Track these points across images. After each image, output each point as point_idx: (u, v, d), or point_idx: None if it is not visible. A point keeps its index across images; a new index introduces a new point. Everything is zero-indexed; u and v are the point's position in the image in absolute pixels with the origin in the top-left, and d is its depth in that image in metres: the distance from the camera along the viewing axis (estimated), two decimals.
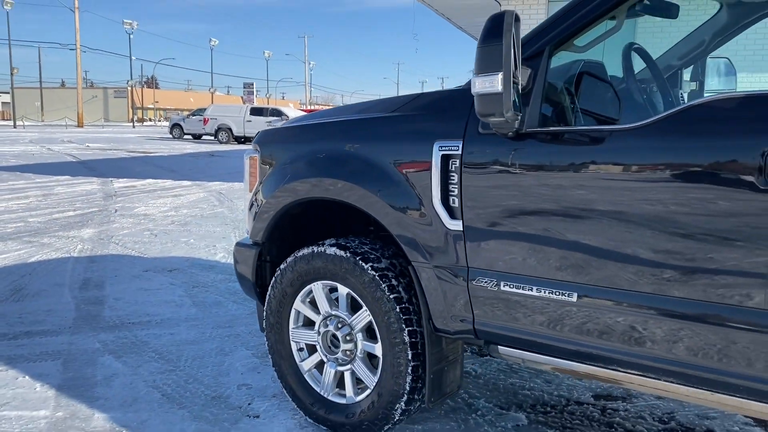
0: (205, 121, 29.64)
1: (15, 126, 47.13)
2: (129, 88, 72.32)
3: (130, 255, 5.56)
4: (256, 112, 28.99)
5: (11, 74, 49.33)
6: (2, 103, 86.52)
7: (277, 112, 28.73)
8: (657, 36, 3.47)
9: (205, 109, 31.43)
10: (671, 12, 2.49)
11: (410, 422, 2.60)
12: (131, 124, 62.37)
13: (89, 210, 7.98)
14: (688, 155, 1.68)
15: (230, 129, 28.65)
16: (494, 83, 1.73)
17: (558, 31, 1.95)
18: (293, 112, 28.06)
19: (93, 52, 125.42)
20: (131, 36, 63.32)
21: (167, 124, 40.16)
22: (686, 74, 3.06)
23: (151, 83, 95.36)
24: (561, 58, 2.11)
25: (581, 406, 2.78)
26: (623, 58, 2.26)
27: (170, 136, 33.14)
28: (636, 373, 1.88)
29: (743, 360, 1.67)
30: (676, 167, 1.70)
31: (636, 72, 2.55)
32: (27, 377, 3.03)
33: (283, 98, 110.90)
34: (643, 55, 2.46)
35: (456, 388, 2.44)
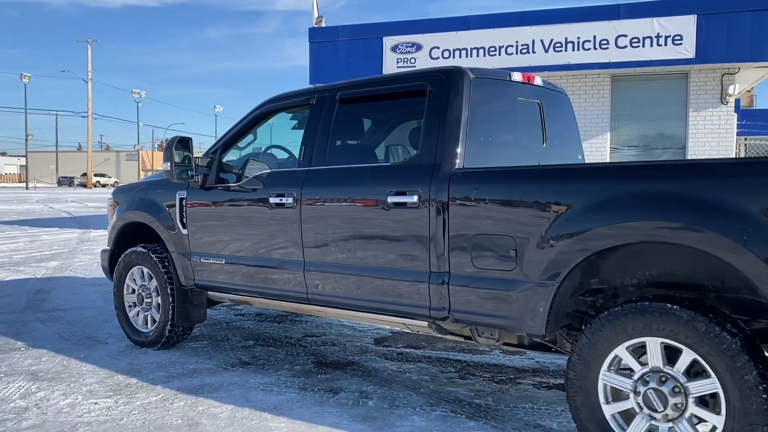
0: None
1: (27, 187, 50.48)
2: (138, 152, 76.51)
3: (77, 276, 7.82)
4: None
5: (26, 140, 53.15)
6: (20, 165, 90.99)
7: None
8: None
9: None
10: None
11: (186, 343, 4.75)
12: None
13: (61, 250, 10.31)
14: (245, 194, 3.97)
15: None
16: (167, 166, 4.03)
17: (224, 141, 4.27)
18: None
19: (104, 119, 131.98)
20: (139, 104, 67.75)
21: None
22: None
23: (162, 146, 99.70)
24: (236, 153, 4.41)
25: (290, 339, 4.95)
26: (264, 150, 4.54)
27: None
28: (251, 296, 4.09)
29: (284, 284, 3.87)
30: (248, 199, 3.98)
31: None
32: None
33: None
34: (283, 147, 4.74)
35: (201, 319, 4.64)
